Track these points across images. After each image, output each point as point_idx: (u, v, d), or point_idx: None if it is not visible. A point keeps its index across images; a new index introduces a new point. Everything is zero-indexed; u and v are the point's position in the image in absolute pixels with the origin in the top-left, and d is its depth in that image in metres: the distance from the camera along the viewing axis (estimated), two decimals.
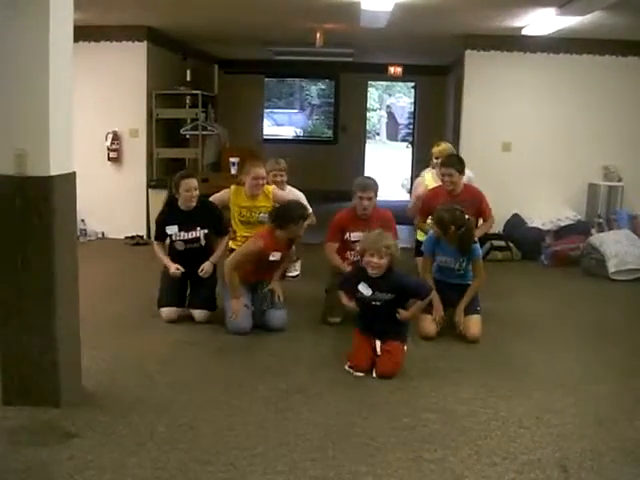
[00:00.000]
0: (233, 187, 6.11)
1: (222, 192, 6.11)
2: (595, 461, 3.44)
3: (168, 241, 5.66)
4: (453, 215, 5.22)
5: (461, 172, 5.85)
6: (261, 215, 5.84)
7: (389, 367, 4.54)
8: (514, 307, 6.19)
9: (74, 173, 3.90)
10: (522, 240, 8.45)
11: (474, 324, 5.30)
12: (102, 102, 8.78)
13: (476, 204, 5.92)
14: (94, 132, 8.71)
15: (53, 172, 3.67)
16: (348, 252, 5.62)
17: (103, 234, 9.12)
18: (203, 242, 5.62)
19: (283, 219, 5.28)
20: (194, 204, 5.58)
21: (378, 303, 4.71)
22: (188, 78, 9.94)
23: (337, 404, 4.09)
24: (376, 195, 5.74)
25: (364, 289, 4.72)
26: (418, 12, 7.21)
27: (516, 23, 7.72)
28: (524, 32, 8.02)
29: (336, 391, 4.28)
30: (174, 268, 5.50)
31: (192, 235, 5.57)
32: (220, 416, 3.87)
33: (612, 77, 8.63)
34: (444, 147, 6.31)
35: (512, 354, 5.09)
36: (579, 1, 6.11)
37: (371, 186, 5.69)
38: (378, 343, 4.62)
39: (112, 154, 8.96)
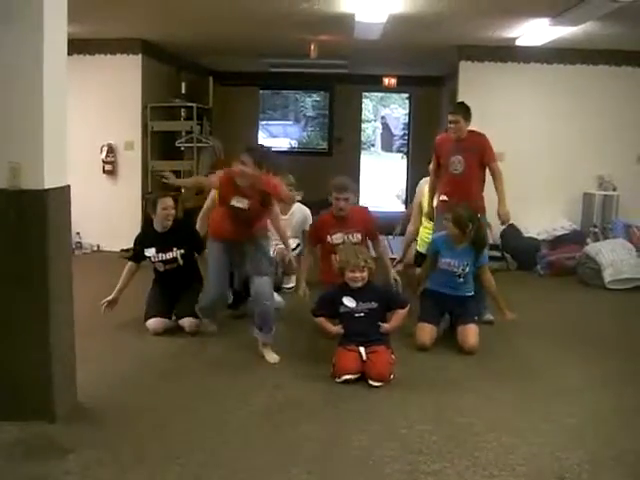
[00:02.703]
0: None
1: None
2: (593, 472, 3.42)
3: (150, 262, 5.73)
4: (470, 213, 5.39)
5: (467, 119, 5.83)
6: None
7: (379, 368, 4.54)
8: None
9: (69, 186, 3.89)
10: (518, 250, 8.45)
11: (472, 335, 5.27)
12: (97, 115, 8.78)
13: (480, 151, 5.88)
14: (89, 145, 8.70)
15: (47, 185, 3.66)
16: (333, 256, 5.37)
17: (98, 247, 9.11)
18: (181, 262, 5.66)
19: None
20: (170, 224, 5.66)
21: (362, 314, 4.77)
22: (183, 90, 9.95)
23: (333, 416, 4.07)
24: (355, 196, 5.75)
25: (349, 302, 4.79)
26: (412, 23, 7.24)
27: (510, 34, 7.75)
28: (518, 42, 8.05)
29: (332, 404, 4.26)
30: (105, 300, 5.55)
31: (169, 256, 5.65)
32: (217, 430, 3.85)
33: (606, 87, 8.66)
34: None
35: (509, 364, 5.08)
36: (572, 12, 6.14)
37: (347, 187, 5.65)
38: (362, 349, 4.61)
39: (107, 167, 8.95)
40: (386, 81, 13.28)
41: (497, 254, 8.32)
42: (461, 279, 5.43)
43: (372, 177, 18.09)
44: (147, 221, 5.82)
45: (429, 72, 12.48)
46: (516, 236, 8.59)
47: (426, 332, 5.31)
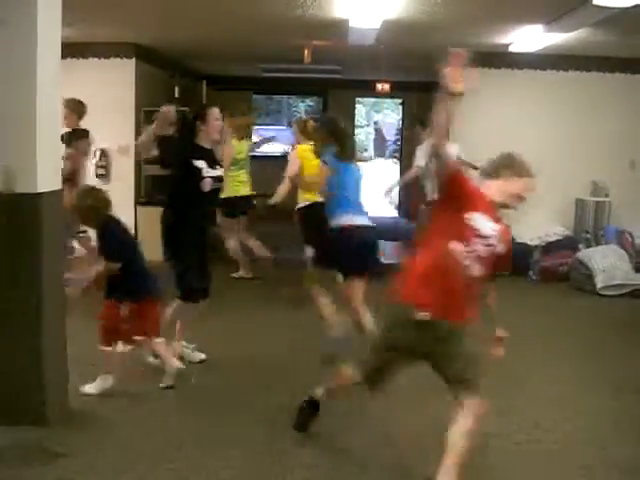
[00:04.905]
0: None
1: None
2: (587, 478, 3.43)
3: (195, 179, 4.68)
4: (325, 118, 5.41)
5: None
6: None
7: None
8: (504, 323, 6.16)
9: (62, 190, 3.88)
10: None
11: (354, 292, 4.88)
12: (90, 119, 8.74)
13: None
14: None
15: (41, 189, 3.65)
16: None
17: None
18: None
19: None
20: (218, 137, 4.87)
21: None
22: (176, 95, 9.94)
23: (327, 419, 4.05)
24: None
25: None
26: (405, 29, 7.26)
27: (503, 40, 7.77)
28: (511, 49, 8.08)
29: (326, 405, 4.24)
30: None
31: (218, 173, 4.77)
32: (209, 435, 3.84)
33: (599, 93, 8.69)
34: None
35: (503, 371, 5.04)
36: (566, 18, 6.16)
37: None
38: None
39: (100, 171, 8.93)
40: (379, 87, 13.28)
41: None
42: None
43: (365, 183, 18.04)
44: (184, 134, 4.96)
45: (422, 78, 12.48)
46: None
47: None
